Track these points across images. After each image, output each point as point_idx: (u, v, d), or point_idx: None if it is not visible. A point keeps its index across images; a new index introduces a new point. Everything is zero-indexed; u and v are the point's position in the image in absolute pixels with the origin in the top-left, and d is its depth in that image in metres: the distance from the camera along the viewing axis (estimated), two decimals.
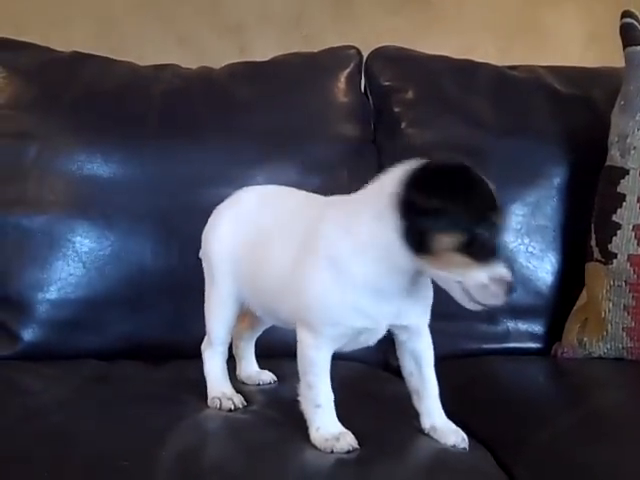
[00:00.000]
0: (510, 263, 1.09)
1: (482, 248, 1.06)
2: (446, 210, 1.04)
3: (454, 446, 1.20)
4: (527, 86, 1.92)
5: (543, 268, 1.77)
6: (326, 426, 1.16)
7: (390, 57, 1.96)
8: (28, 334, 1.60)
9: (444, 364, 1.64)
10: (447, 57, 1.97)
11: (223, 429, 1.24)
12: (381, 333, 1.22)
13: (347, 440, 1.14)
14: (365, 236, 1.11)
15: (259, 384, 1.43)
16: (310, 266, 1.15)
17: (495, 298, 1.08)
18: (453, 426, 1.23)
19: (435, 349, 1.69)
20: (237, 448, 1.16)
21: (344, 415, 1.19)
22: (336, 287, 1.13)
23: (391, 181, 1.11)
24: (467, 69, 1.94)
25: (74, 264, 1.62)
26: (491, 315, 1.74)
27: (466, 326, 1.74)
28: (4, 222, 1.63)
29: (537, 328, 1.76)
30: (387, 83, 1.91)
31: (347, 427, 1.18)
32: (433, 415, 1.23)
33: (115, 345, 1.61)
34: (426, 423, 1.24)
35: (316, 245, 1.15)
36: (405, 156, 1.78)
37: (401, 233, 1.07)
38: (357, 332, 1.18)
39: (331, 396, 1.18)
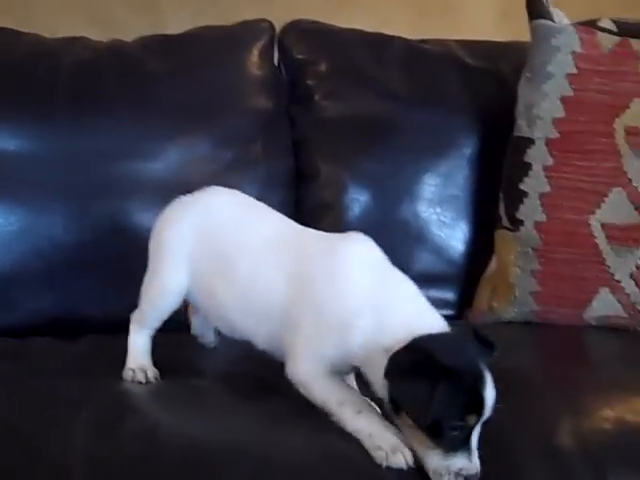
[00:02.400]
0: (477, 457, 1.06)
1: (444, 438, 1.04)
2: (422, 396, 1.02)
3: None
4: (438, 59, 1.95)
5: (455, 237, 1.81)
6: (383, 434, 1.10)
7: (303, 30, 1.96)
8: None
9: None
10: (360, 30, 1.98)
11: (139, 399, 1.24)
12: None
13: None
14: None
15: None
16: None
17: None
18: None
19: None
20: (154, 416, 1.15)
21: None
22: None
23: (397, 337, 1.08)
24: (379, 42, 1.96)
25: None
26: None
27: None
28: None
29: (449, 295, 1.80)
30: (300, 56, 1.92)
31: None
32: None
33: (27, 322, 1.58)
34: None
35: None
36: (318, 128, 1.84)
37: (385, 383, 1.07)
38: None
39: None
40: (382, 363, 1.06)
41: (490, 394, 1.06)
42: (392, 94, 1.87)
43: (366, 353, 1.11)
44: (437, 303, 1.73)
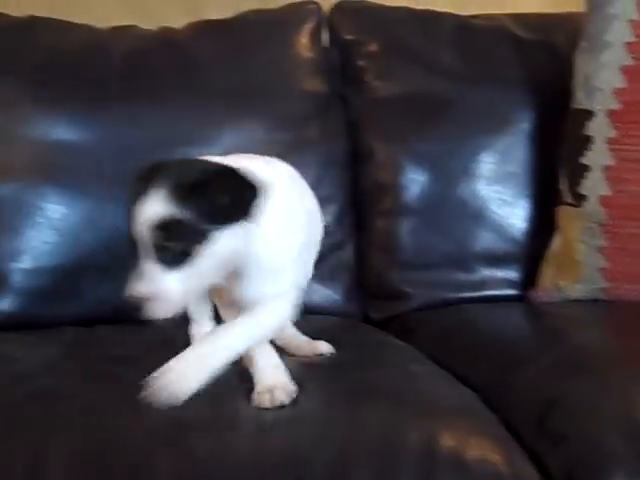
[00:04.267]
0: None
1: None
2: None
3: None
4: (490, 34, 1.92)
5: (515, 214, 1.78)
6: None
7: (351, 10, 1.94)
8: (5, 304, 1.57)
9: (425, 313, 1.69)
10: (409, 8, 1.96)
11: None
12: None
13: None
14: None
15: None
16: None
17: None
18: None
19: (412, 299, 1.74)
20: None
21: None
22: None
23: None
24: (429, 19, 1.93)
25: (47, 231, 1.59)
26: (466, 264, 1.76)
27: (442, 275, 1.75)
28: None
29: (512, 275, 1.77)
30: (350, 37, 1.89)
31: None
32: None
33: (93, 311, 1.59)
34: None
35: None
36: (371, 108, 1.83)
37: None
38: None
39: None
40: None
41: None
42: (445, 71, 1.84)
43: None
44: (501, 283, 1.78)
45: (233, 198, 0.99)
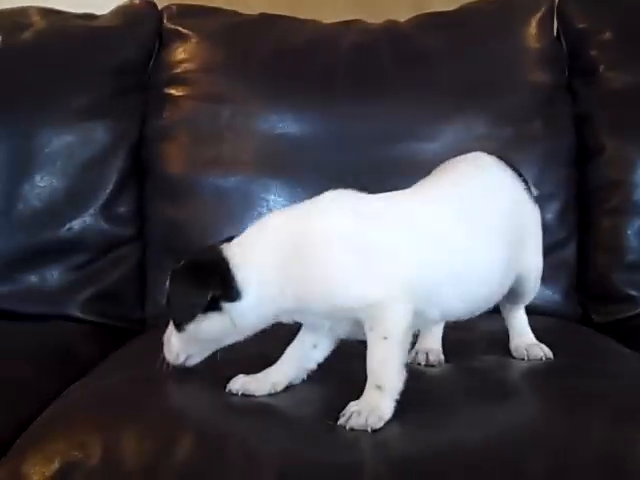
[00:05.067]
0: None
1: None
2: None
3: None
4: None
5: None
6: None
7: None
8: None
9: None
10: None
11: None
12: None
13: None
14: None
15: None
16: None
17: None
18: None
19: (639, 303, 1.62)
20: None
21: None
22: None
23: None
24: None
25: None
26: None
27: None
28: (202, 182, 1.68)
29: None
30: (582, 25, 1.80)
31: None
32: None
33: None
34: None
35: None
36: (602, 101, 1.73)
37: None
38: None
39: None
40: None
41: None
42: None
43: None
44: None
45: (177, 300, 1.13)
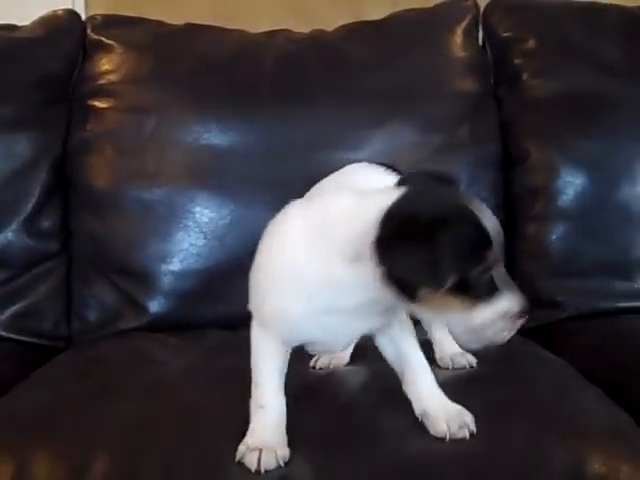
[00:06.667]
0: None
1: (475, 288, 0.93)
2: (425, 255, 0.90)
3: (447, 436, 1.03)
4: None
5: None
6: (260, 433, 0.99)
7: (508, 6, 1.87)
8: (154, 306, 1.62)
9: (578, 324, 1.60)
10: (569, 1, 1.88)
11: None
12: (351, 339, 1.10)
13: (274, 455, 0.97)
14: (338, 275, 0.96)
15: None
16: (272, 276, 1.01)
17: (502, 333, 0.96)
18: (453, 411, 1.05)
19: (569, 308, 1.64)
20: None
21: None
22: (300, 307, 0.98)
23: (370, 216, 0.93)
24: (592, 12, 1.84)
25: (195, 234, 1.62)
26: (626, 271, 1.65)
27: (597, 284, 1.65)
28: (126, 195, 1.65)
29: None
30: (506, 34, 1.83)
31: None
32: (423, 399, 1.06)
33: (238, 314, 1.59)
34: (417, 408, 1.07)
35: (282, 257, 1.01)
36: (527, 108, 1.75)
37: (382, 279, 0.92)
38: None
39: (279, 400, 1.02)
40: None
41: (490, 219, 0.94)
42: (608, 67, 1.75)
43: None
44: None
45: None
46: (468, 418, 1.04)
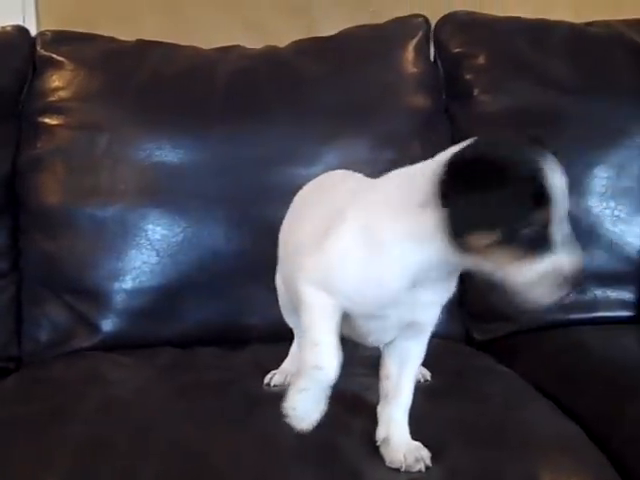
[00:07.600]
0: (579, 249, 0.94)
1: (528, 243, 0.92)
2: (483, 204, 0.90)
3: (402, 468, 1.03)
4: (605, 42, 1.84)
5: (631, 232, 1.70)
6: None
7: (459, 22, 1.89)
8: (107, 324, 1.60)
9: (531, 335, 1.62)
10: (519, 18, 1.90)
11: None
12: (390, 332, 1.09)
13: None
14: (405, 223, 0.98)
15: None
16: (343, 230, 1.02)
17: (549, 294, 0.94)
18: (413, 444, 1.05)
19: (517, 321, 1.66)
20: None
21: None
22: (363, 259, 0.99)
23: (436, 166, 0.98)
24: (541, 29, 1.87)
25: (147, 252, 1.61)
26: None
27: None
28: (79, 213, 1.63)
29: (627, 295, 1.69)
30: (457, 50, 1.85)
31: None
32: (391, 426, 1.07)
33: (191, 332, 1.60)
34: (381, 432, 1.08)
35: (351, 215, 1.03)
36: (479, 124, 1.77)
37: (442, 226, 0.94)
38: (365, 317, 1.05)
39: (337, 361, 0.99)
40: None
41: (559, 178, 0.94)
42: (557, 83, 1.77)
43: None
44: (614, 304, 1.69)
45: None
46: (425, 452, 1.04)
